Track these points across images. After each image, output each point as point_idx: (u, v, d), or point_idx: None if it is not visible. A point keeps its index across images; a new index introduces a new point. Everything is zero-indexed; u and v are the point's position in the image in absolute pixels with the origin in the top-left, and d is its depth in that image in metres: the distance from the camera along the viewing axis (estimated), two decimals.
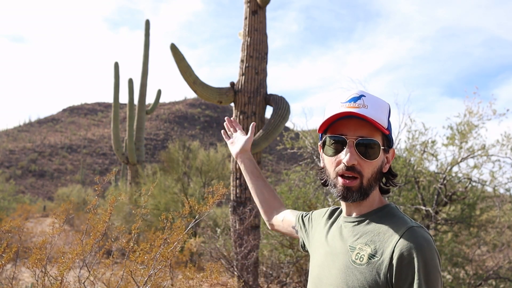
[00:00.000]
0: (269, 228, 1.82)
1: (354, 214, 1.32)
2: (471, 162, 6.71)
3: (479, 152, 6.53)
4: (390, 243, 1.16)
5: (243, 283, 5.83)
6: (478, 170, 6.59)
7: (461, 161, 6.61)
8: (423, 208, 6.32)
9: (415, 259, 1.11)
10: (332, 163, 1.27)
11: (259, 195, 1.80)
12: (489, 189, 6.98)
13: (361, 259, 1.18)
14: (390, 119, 1.29)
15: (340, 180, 1.25)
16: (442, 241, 6.43)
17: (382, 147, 1.25)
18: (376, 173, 1.25)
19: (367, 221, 1.27)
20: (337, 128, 1.25)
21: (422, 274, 1.10)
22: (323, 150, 1.30)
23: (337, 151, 1.25)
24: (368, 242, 1.20)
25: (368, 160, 1.22)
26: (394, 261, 1.13)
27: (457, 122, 6.79)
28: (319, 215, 1.53)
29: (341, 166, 1.24)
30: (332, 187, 1.28)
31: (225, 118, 2.02)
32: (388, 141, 1.28)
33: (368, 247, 1.19)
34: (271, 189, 1.82)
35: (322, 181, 1.37)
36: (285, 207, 1.79)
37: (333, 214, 1.45)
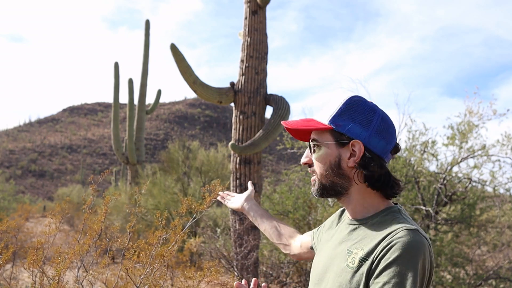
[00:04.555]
0: (295, 260, 1.85)
1: (353, 217, 1.32)
2: (471, 162, 6.71)
3: (479, 152, 6.52)
4: (378, 243, 1.15)
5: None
6: (478, 170, 6.59)
7: (461, 161, 6.60)
8: (423, 208, 6.30)
9: (391, 253, 1.10)
10: None
11: (274, 234, 1.77)
12: (489, 189, 6.98)
13: (353, 263, 1.18)
14: (347, 114, 1.28)
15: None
16: (442, 241, 6.42)
17: (329, 142, 1.28)
18: (330, 168, 1.28)
19: (368, 224, 1.26)
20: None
21: (389, 269, 1.09)
22: None
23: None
24: (362, 246, 1.20)
25: (315, 158, 1.32)
26: (375, 258, 1.13)
27: (457, 122, 6.78)
28: (329, 220, 1.54)
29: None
30: None
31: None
32: (340, 135, 1.27)
33: (361, 250, 1.19)
34: (282, 222, 1.81)
35: None
36: (298, 232, 1.78)
37: (341, 216, 1.47)
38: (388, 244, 1.12)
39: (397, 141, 1.30)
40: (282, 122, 1.39)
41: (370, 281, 1.12)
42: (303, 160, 1.36)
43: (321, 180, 1.30)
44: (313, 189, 1.34)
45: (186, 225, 2.81)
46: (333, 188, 1.29)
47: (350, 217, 1.33)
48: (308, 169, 1.37)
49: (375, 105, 1.31)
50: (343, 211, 1.47)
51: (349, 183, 1.28)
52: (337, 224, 1.44)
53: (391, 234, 1.15)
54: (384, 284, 1.08)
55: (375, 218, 1.26)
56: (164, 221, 2.69)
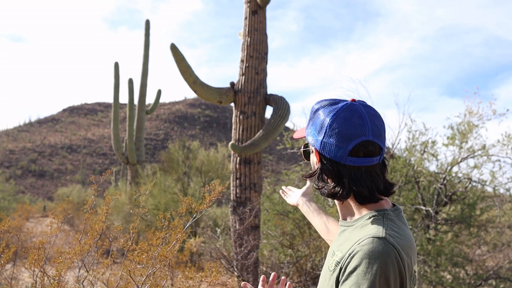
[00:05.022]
0: None
1: (342, 218, 1.34)
2: (471, 162, 6.72)
3: (479, 152, 6.53)
4: (348, 248, 1.15)
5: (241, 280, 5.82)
6: (478, 170, 6.59)
7: (461, 161, 6.60)
8: (423, 208, 6.31)
9: (352, 263, 1.09)
10: None
11: (324, 231, 1.75)
12: (489, 189, 6.98)
13: (331, 266, 1.19)
14: (312, 121, 1.30)
15: None
16: (442, 241, 6.42)
17: (304, 149, 1.42)
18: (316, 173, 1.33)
19: (352, 227, 1.26)
20: None
21: (348, 279, 1.08)
22: None
23: None
24: (342, 249, 1.20)
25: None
26: (342, 265, 1.13)
27: (457, 122, 6.79)
28: None
29: None
30: None
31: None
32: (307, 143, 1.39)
33: (340, 253, 1.18)
34: (331, 218, 1.79)
35: None
36: None
37: None
38: (351, 252, 1.11)
39: (366, 139, 1.19)
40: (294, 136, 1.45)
41: None
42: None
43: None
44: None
45: (186, 225, 2.81)
46: (320, 191, 1.29)
47: (341, 218, 1.34)
48: None
49: (338, 107, 1.24)
50: None
51: (325, 185, 1.28)
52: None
53: (358, 241, 1.13)
54: None
55: (359, 222, 1.24)
56: (166, 222, 2.70)
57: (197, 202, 2.74)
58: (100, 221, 2.71)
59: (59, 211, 2.88)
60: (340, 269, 1.12)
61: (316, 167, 1.29)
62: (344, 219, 1.32)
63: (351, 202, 1.27)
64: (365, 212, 1.25)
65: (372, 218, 1.20)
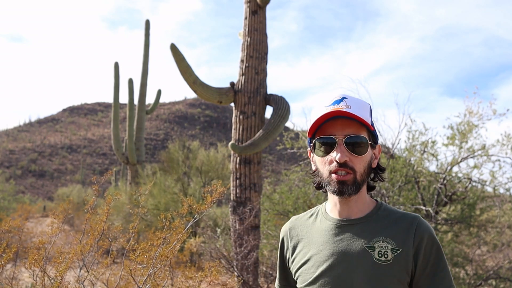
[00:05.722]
0: None
1: (355, 214, 1.33)
2: (471, 162, 6.71)
3: (479, 152, 6.53)
4: (408, 234, 1.26)
5: (243, 283, 5.83)
6: (478, 170, 6.59)
7: (461, 161, 6.60)
8: (423, 208, 6.31)
9: (435, 242, 1.26)
10: (325, 163, 1.31)
11: None
12: (489, 189, 6.98)
13: (386, 256, 1.23)
14: (372, 118, 1.36)
15: (334, 176, 1.28)
16: (442, 241, 6.42)
17: (369, 142, 1.30)
18: (367, 168, 1.31)
19: (373, 219, 1.31)
20: (325, 130, 1.30)
21: (439, 255, 1.26)
22: (314, 152, 1.36)
23: (327, 151, 1.29)
24: (386, 239, 1.25)
25: (358, 156, 1.28)
26: (418, 247, 1.24)
27: (457, 122, 6.78)
28: (292, 227, 1.48)
29: (334, 164, 1.28)
30: (327, 185, 1.32)
31: None
32: (373, 137, 1.33)
33: (388, 243, 1.24)
34: None
35: (315, 184, 1.41)
36: None
37: (311, 218, 1.46)
38: (424, 233, 1.30)
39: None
40: (336, 108, 1.27)
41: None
42: (344, 158, 1.26)
43: (357, 177, 1.28)
44: (340, 186, 1.27)
45: (187, 225, 2.81)
46: (360, 185, 1.30)
47: (339, 217, 1.34)
48: (338, 167, 1.27)
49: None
50: (306, 215, 1.49)
51: (367, 180, 1.34)
52: (318, 225, 1.40)
53: (418, 224, 1.30)
54: None
55: (377, 213, 1.34)
56: (168, 222, 2.70)
57: (198, 203, 2.74)
58: (101, 221, 2.71)
59: (60, 211, 2.88)
60: (416, 253, 1.24)
61: (370, 161, 1.33)
62: (348, 215, 1.34)
63: (367, 195, 1.36)
64: (376, 201, 1.37)
65: (387, 205, 1.36)
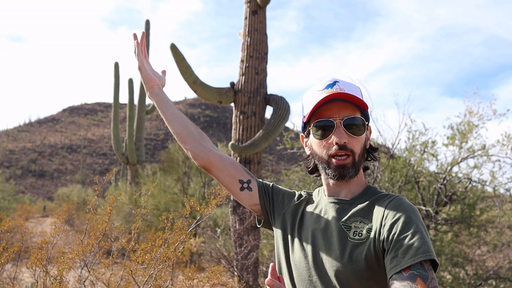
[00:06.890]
0: (197, 164, 1.57)
1: (344, 194, 1.35)
2: (471, 162, 6.71)
3: (479, 152, 6.53)
4: (381, 210, 1.23)
5: (243, 283, 5.83)
6: (478, 170, 6.59)
7: (461, 161, 6.60)
8: (423, 208, 6.31)
9: (406, 210, 1.19)
10: (323, 147, 1.32)
11: (186, 125, 1.59)
12: (489, 189, 6.98)
13: (360, 235, 1.23)
14: (363, 100, 1.36)
15: (333, 160, 1.30)
16: (442, 241, 6.43)
17: (366, 123, 1.33)
18: (363, 148, 1.33)
19: (359, 201, 1.32)
20: (321, 114, 1.31)
21: (408, 220, 1.17)
22: (312, 136, 1.35)
23: (325, 135, 1.31)
24: (364, 220, 1.26)
25: (356, 136, 1.30)
26: (385, 220, 1.20)
27: (457, 122, 6.78)
28: (288, 195, 1.50)
29: (334, 147, 1.29)
30: (325, 169, 1.33)
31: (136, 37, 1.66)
32: (366, 118, 1.35)
33: (365, 224, 1.25)
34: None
35: (309, 169, 1.42)
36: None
37: (302, 198, 1.47)
38: (393, 206, 1.24)
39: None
40: (333, 92, 1.27)
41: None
42: (344, 139, 1.27)
43: (355, 159, 1.30)
44: (341, 170, 1.28)
45: (190, 227, 2.82)
46: (358, 167, 1.32)
47: (341, 195, 1.35)
48: (337, 150, 1.28)
49: None
50: (301, 195, 1.47)
51: (364, 161, 1.36)
52: (307, 204, 1.43)
53: (393, 199, 1.26)
54: None
55: (365, 194, 1.33)
56: (169, 223, 2.70)
57: (200, 204, 2.74)
58: (103, 221, 2.72)
59: (62, 211, 2.88)
60: (382, 226, 1.19)
61: (365, 142, 1.34)
62: (339, 195, 1.35)
63: (362, 177, 1.37)
64: (367, 184, 1.37)
65: (376, 188, 1.35)
